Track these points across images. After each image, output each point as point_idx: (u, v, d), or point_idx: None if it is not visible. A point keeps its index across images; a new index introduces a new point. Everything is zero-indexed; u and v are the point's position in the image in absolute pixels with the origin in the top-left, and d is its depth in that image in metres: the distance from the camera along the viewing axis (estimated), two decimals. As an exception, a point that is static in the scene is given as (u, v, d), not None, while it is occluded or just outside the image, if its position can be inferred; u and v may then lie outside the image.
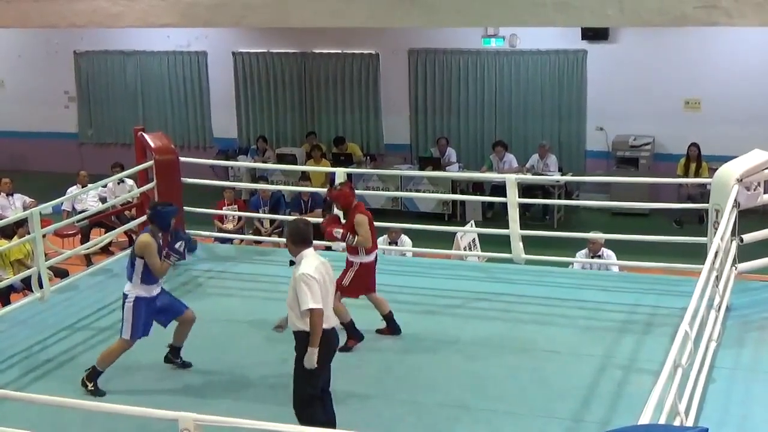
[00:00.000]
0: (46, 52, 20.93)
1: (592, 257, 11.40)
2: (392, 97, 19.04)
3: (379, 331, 8.97)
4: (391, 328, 8.98)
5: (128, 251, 11.43)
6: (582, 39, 17.32)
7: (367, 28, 16.94)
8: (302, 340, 6.87)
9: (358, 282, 8.77)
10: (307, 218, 7.86)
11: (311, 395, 6.95)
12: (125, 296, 8.06)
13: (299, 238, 7.03)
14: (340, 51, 19.09)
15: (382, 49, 18.83)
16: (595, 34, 17.08)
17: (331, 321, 7.01)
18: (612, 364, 8.23)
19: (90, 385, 7.93)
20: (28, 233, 10.21)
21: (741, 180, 8.84)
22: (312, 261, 6.93)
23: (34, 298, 9.68)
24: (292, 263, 7.10)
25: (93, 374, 7.98)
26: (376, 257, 8.92)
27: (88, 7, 15.98)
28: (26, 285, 11.04)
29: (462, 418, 7.47)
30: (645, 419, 5.07)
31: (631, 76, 17.19)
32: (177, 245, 8.10)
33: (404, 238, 12.44)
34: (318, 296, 6.77)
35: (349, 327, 8.68)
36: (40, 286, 9.62)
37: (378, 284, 10.24)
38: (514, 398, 7.73)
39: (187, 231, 10.47)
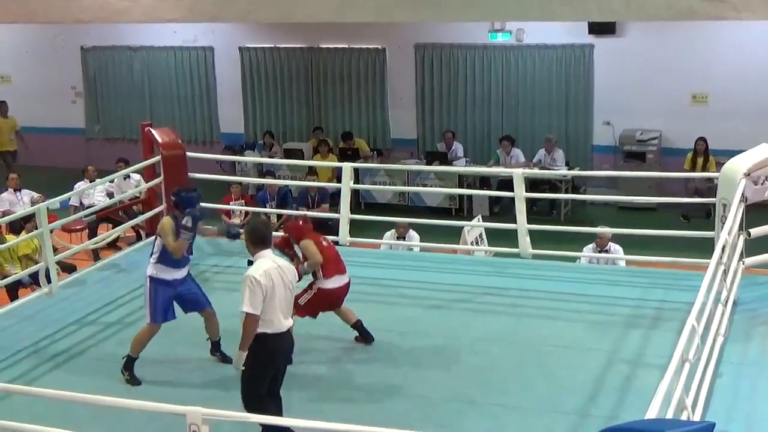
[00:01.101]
0: (53, 47, 20.96)
1: (599, 252, 11.41)
2: (399, 91, 19.03)
3: (356, 339, 8.80)
4: (364, 336, 8.75)
5: (136, 246, 11.58)
6: (589, 33, 17.28)
7: (374, 23, 16.94)
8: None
9: (313, 305, 8.51)
10: (266, 219, 7.79)
11: (258, 395, 6.85)
12: (145, 277, 8.23)
13: (256, 239, 6.99)
14: (346, 46, 19.08)
15: (389, 44, 18.81)
16: (602, 29, 17.04)
17: (277, 326, 6.83)
18: (619, 359, 8.23)
19: (126, 374, 8.09)
20: (36, 228, 10.22)
21: (748, 174, 8.83)
22: (264, 264, 6.84)
23: (42, 293, 9.71)
24: (250, 263, 7.03)
25: (128, 362, 8.13)
26: (342, 286, 8.60)
27: (94, 2, 16.01)
28: (34, 280, 11.08)
29: (469, 413, 7.48)
30: (652, 413, 5.07)
31: (638, 71, 17.15)
32: (184, 221, 8.14)
33: (412, 233, 12.44)
34: (256, 301, 6.68)
35: (358, 327, 8.67)
36: (48, 281, 9.65)
37: (385, 279, 10.32)
38: (521, 393, 7.74)
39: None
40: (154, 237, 8.40)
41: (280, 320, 6.84)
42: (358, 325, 8.72)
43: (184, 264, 8.31)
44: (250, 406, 6.77)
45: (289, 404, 7.36)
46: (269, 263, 6.86)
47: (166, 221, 8.24)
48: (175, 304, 8.26)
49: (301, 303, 8.37)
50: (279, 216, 14.41)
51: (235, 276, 10.60)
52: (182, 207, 8.23)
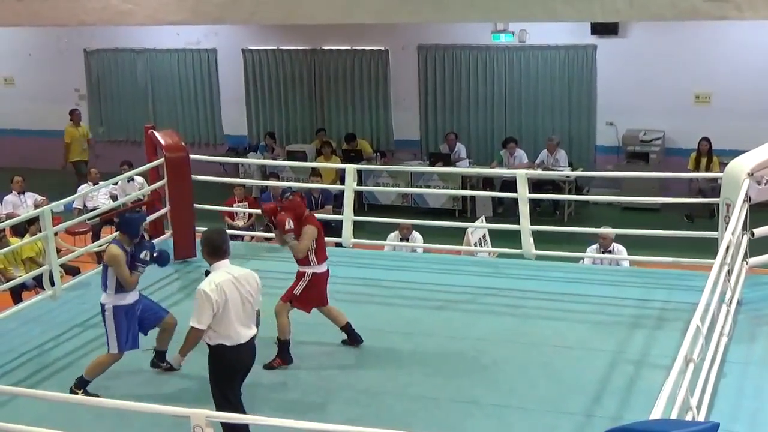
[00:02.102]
0: (57, 50, 20.99)
1: (603, 252, 11.40)
2: (402, 93, 19.04)
3: (344, 342, 8.75)
4: (353, 338, 8.67)
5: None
6: (591, 34, 17.29)
7: (377, 24, 16.95)
8: (210, 350, 6.83)
9: (310, 293, 8.42)
10: (223, 229, 7.60)
11: (230, 403, 6.77)
12: (102, 307, 7.96)
13: (211, 249, 6.89)
14: (349, 47, 19.09)
15: (392, 45, 18.82)
16: (604, 29, 17.05)
17: (234, 338, 6.74)
18: (623, 359, 8.21)
19: (80, 393, 7.77)
20: (40, 231, 10.23)
21: (752, 174, 8.82)
22: (218, 276, 6.76)
23: (46, 296, 9.71)
24: (207, 273, 6.97)
25: (81, 383, 7.87)
26: (327, 270, 8.57)
27: (98, 4, 16.03)
28: (38, 283, 11.07)
29: (473, 413, 7.47)
30: (656, 414, 5.06)
31: (641, 71, 17.16)
32: (142, 254, 7.96)
33: (415, 234, 12.44)
34: (203, 316, 6.65)
35: (282, 346, 8.41)
36: (52, 283, 9.65)
37: (389, 280, 10.30)
38: (525, 393, 7.73)
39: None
40: (103, 266, 8.05)
41: (237, 332, 6.73)
42: (347, 328, 8.65)
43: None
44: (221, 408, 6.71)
45: (292, 406, 7.38)
46: (223, 275, 6.76)
47: (116, 253, 7.84)
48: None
49: (297, 293, 8.35)
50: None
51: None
52: (126, 229, 8.02)
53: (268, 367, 8.15)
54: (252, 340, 6.88)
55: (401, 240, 12.32)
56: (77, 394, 7.77)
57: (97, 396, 7.79)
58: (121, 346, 7.92)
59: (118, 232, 8.24)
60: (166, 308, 8.45)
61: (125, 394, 7.60)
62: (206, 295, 6.64)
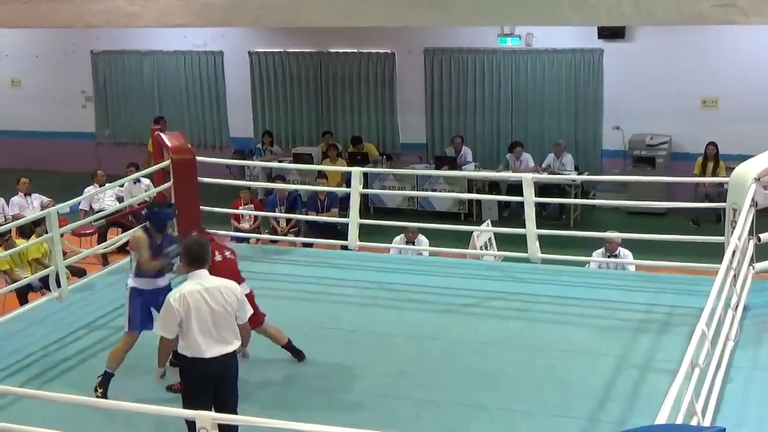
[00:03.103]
0: (63, 52, 21.02)
1: (609, 256, 11.38)
2: (408, 96, 19.04)
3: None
4: (295, 354, 8.46)
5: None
6: (598, 38, 17.28)
7: (383, 28, 16.95)
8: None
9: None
10: (202, 238, 7.38)
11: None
12: (125, 288, 8.18)
13: (190, 258, 6.83)
14: (356, 50, 19.10)
15: (398, 49, 18.83)
16: (611, 33, 17.04)
17: (196, 350, 6.60)
18: (628, 364, 8.21)
19: (99, 391, 7.85)
20: (46, 232, 10.25)
21: (758, 179, 8.81)
22: (185, 287, 6.71)
23: (52, 297, 9.73)
24: None
25: (104, 379, 7.92)
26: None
27: (104, 6, 16.05)
28: (44, 284, 11.10)
29: (478, 417, 7.47)
30: (662, 419, 5.06)
31: (647, 75, 17.14)
32: (170, 248, 8.11)
33: (421, 237, 12.43)
34: (166, 324, 6.65)
35: (289, 347, 8.39)
36: (58, 285, 9.66)
37: (394, 283, 10.30)
38: (530, 397, 7.73)
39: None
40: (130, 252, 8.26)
41: (199, 345, 6.58)
42: (288, 345, 8.46)
43: (163, 273, 8.22)
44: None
45: (296, 408, 7.39)
46: (192, 286, 6.69)
47: (140, 236, 8.08)
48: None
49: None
50: (288, 220, 14.42)
51: (245, 281, 10.65)
52: (154, 222, 8.19)
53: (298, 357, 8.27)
54: (226, 355, 6.67)
55: (407, 243, 12.32)
56: (97, 392, 7.83)
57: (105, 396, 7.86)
58: (131, 326, 8.02)
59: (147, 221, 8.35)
60: None
61: (132, 396, 7.61)
62: (169, 305, 6.62)
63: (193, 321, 6.58)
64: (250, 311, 7.01)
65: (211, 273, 7.62)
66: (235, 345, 6.76)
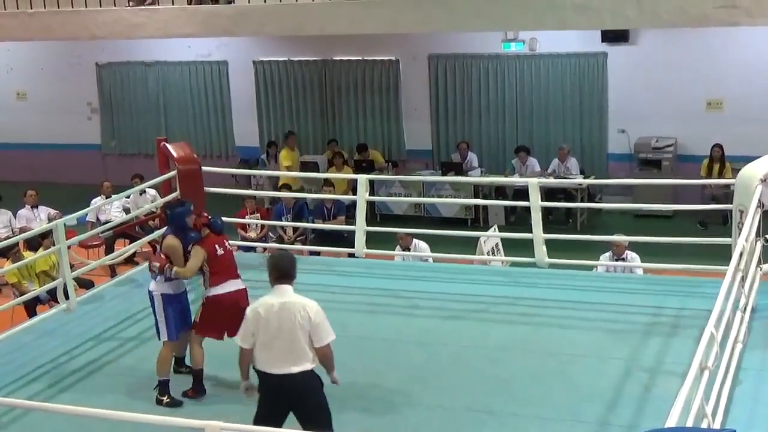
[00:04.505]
0: (68, 64, 21.08)
1: (616, 260, 11.38)
2: (413, 102, 19.05)
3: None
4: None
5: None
6: (602, 41, 17.27)
7: (387, 35, 16.97)
8: None
9: (209, 318, 8.07)
10: (292, 254, 7.34)
11: (256, 417, 6.70)
12: (151, 295, 8.17)
13: (277, 273, 6.75)
14: (360, 58, 19.12)
15: (402, 55, 18.85)
16: (615, 36, 17.03)
17: (261, 364, 6.61)
18: (638, 367, 8.20)
19: (165, 399, 7.93)
20: (53, 245, 10.26)
21: (765, 180, 8.78)
22: (265, 298, 6.68)
23: (60, 309, 9.75)
24: None
25: (161, 386, 7.99)
26: (240, 291, 8.17)
27: (109, 18, 16.09)
28: (52, 296, 11.12)
29: (488, 422, 7.47)
30: (672, 422, 5.05)
31: (652, 78, 17.14)
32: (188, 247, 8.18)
33: (418, 243, 12.33)
34: (242, 334, 6.67)
35: (196, 376, 8.14)
36: (66, 297, 9.69)
37: (402, 290, 10.27)
38: (540, 402, 7.72)
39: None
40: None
41: (264, 359, 6.59)
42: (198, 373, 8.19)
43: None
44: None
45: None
46: (270, 299, 6.65)
47: (174, 244, 8.12)
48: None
49: (197, 320, 8.14)
50: (295, 229, 14.43)
51: (253, 290, 10.63)
52: (174, 223, 8.25)
53: (184, 395, 8.00)
54: (293, 375, 6.54)
55: (404, 250, 12.23)
56: (163, 401, 7.91)
57: (181, 403, 7.95)
58: (170, 335, 8.08)
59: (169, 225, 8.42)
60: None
61: (141, 406, 7.62)
62: (246, 315, 6.68)
63: (262, 335, 6.56)
64: (330, 336, 6.69)
65: (214, 264, 7.97)
66: (304, 366, 6.58)
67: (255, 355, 6.65)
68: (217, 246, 8.20)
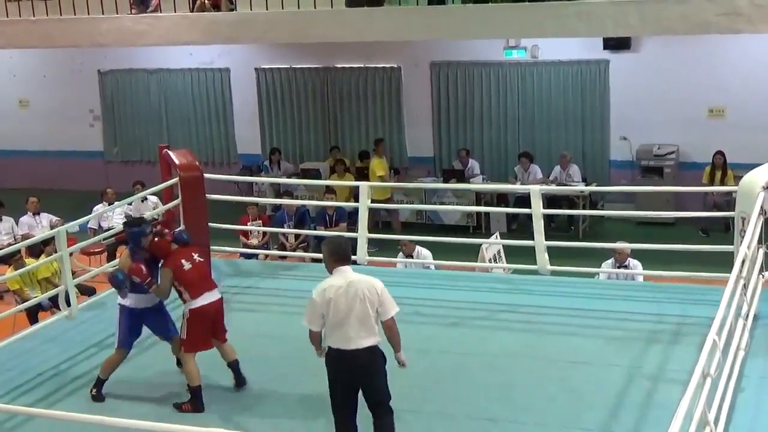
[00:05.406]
0: (71, 71, 21.12)
1: (618, 267, 11.37)
2: (415, 110, 19.06)
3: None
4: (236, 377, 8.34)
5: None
6: (604, 49, 17.28)
7: (389, 42, 16.98)
8: None
9: (196, 331, 8.06)
10: (346, 239, 7.48)
11: (335, 404, 6.95)
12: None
13: (336, 256, 6.98)
14: (362, 65, 19.14)
15: (404, 63, 18.87)
16: (617, 44, 17.05)
17: (338, 342, 6.82)
18: (640, 374, 8.19)
19: (93, 390, 8.23)
20: (55, 252, 10.26)
21: (766, 187, 8.78)
22: (329, 281, 6.89)
23: (62, 316, 9.73)
24: None
25: (97, 381, 8.28)
26: (215, 302, 8.20)
27: (111, 26, 16.13)
28: (54, 303, 11.11)
29: (489, 430, 7.46)
30: (674, 429, 5.04)
31: (654, 85, 17.14)
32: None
33: (420, 250, 12.33)
34: (310, 317, 6.87)
35: (194, 393, 8.05)
36: (68, 304, 9.67)
37: (404, 297, 10.20)
38: (542, 409, 7.71)
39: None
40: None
41: (337, 337, 6.81)
42: (234, 365, 8.36)
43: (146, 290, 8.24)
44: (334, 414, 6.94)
45: (308, 423, 7.36)
46: (333, 281, 6.87)
47: (123, 260, 8.38)
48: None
49: (184, 337, 8.10)
50: (297, 236, 14.43)
51: (255, 297, 10.67)
52: (131, 241, 8.34)
53: (177, 407, 7.97)
54: (365, 349, 6.83)
55: (406, 257, 12.24)
56: (92, 392, 8.21)
57: (103, 399, 8.15)
58: (120, 344, 8.30)
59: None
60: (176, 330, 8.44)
61: (143, 413, 7.61)
62: (312, 299, 6.85)
63: (333, 313, 6.77)
64: (395, 308, 6.99)
65: (183, 279, 7.98)
66: (373, 340, 6.88)
67: (327, 334, 6.87)
68: (183, 261, 8.15)
